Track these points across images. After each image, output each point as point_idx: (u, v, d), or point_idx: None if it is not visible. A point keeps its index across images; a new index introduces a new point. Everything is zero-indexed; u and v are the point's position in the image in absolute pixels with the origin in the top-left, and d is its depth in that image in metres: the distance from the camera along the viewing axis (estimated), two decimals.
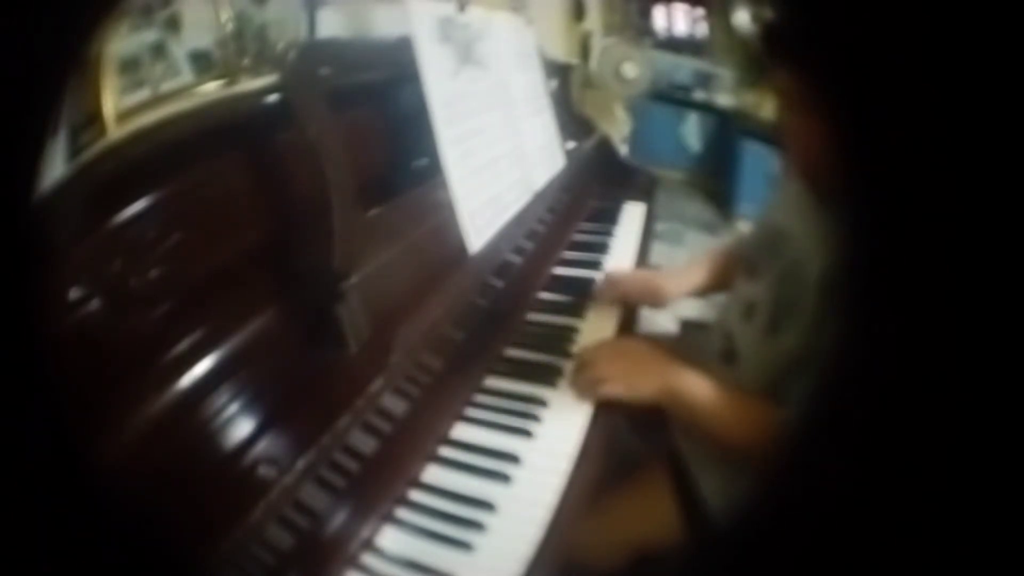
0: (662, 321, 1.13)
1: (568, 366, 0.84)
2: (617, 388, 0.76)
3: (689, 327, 1.18)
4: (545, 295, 1.06)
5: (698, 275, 1.07)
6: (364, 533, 0.59)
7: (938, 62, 0.30)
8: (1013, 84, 0.29)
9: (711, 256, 1.09)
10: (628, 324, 1.00)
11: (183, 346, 0.54)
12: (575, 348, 0.91)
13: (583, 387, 0.78)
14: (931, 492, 0.33)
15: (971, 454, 0.32)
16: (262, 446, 0.52)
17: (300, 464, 0.51)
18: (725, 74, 3.02)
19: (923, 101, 0.31)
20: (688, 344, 1.06)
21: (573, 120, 1.55)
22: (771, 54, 0.75)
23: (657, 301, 1.05)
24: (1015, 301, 0.31)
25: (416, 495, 0.65)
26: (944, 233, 0.31)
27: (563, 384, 0.81)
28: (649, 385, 0.76)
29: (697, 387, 0.75)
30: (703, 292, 1.07)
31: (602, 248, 1.24)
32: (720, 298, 1.04)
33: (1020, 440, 0.31)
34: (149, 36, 0.79)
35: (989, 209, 0.31)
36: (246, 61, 0.90)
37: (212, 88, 0.85)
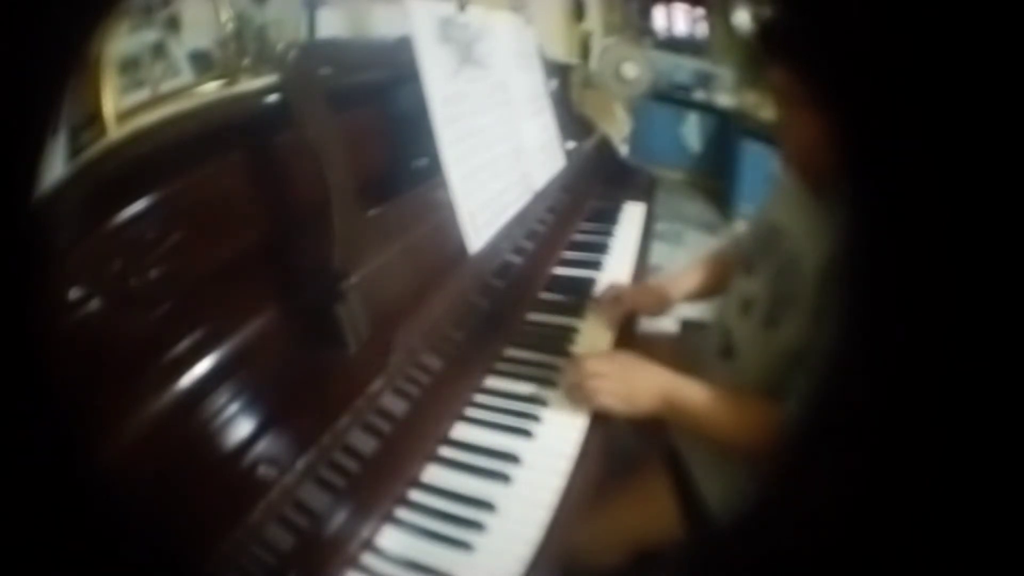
0: (662, 320, 1.13)
1: (568, 366, 0.84)
2: (613, 401, 0.75)
3: (689, 327, 1.18)
4: (545, 295, 1.06)
5: (695, 279, 1.07)
6: (364, 533, 0.59)
7: (934, 58, 0.30)
8: (1009, 80, 0.29)
9: (707, 259, 1.09)
10: (628, 325, 1.00)
11: (183, 346, 0.54)
12: (575, 348, 0.91)
13: (578, 397, 0.78)
14: (932, 488, 0.33)
15: (972, 449, 0.32)
16: (262, 446, 0.52)
17: (300, 464, 0.51)
18: (725, 74, 3.02)
19: (919, 97, 0.31)
20: (688, 344, 1.06)
21: (573, 120, 1.55)
22: (768, 51, 0.75)
23: (659, 310, 1.05)
24: (1013, 293, 0.31)
25: (416, 495, 0.65)
26: (940, 227, 0.31)
27: (563, 384, 0.81)
28: (646, 399, 0.75)
29: (694, 396, 0.75)
30: (700, 296, 1.07)
31: (602, 248, 1.24)
32: (719, 297, 1.03)
33: (1021, 433, 0.31)
34: (149, 36, 0.79)
35: (985, 203, 0.31)
36: (246, 61, 0.90)
37: (212, 88, 0.85)
